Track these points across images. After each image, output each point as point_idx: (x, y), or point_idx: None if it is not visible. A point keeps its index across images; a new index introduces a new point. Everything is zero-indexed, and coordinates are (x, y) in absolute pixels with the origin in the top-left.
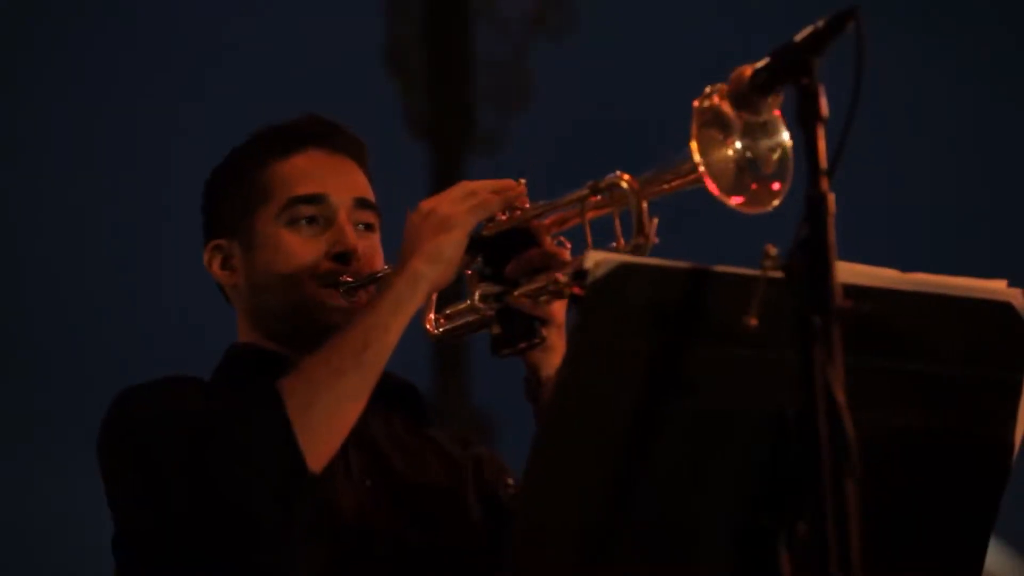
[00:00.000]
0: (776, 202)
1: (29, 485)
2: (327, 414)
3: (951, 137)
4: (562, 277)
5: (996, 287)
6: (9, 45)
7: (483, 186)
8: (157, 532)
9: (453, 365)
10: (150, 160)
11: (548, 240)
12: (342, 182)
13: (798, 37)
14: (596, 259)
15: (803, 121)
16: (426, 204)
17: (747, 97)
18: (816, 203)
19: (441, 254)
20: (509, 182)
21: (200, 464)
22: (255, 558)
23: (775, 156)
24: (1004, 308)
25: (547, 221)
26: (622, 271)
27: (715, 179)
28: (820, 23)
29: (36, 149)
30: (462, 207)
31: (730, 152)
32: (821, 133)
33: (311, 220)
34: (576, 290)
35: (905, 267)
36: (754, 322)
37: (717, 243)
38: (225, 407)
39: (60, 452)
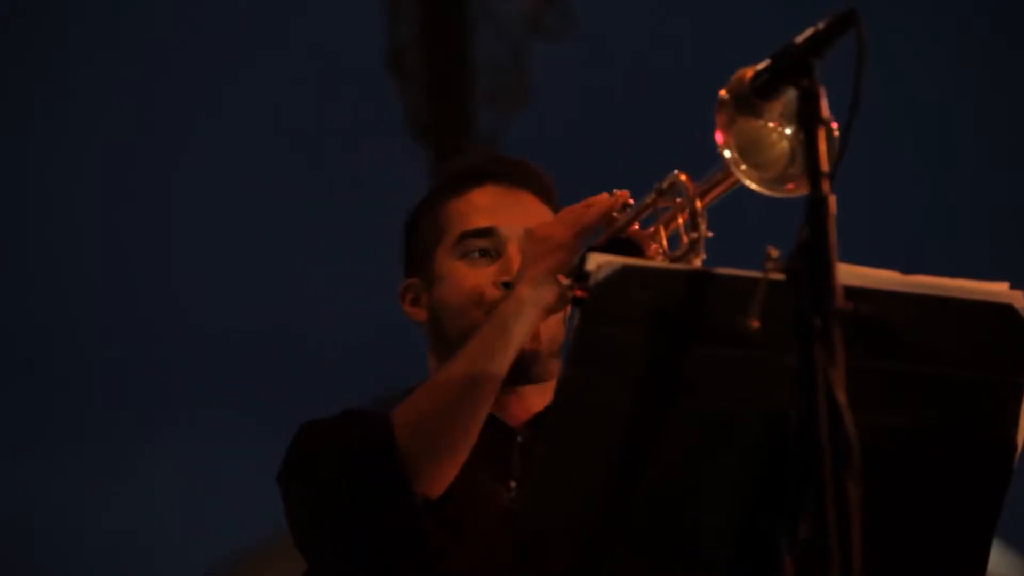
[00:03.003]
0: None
1: (31, 484)
2: (433, 441)
3: (953, 139)
4: (564, 280)
5: (997, 289)
6: (14, 42)
7: (581, 207)
8: (329, 566)
9: None
10: (157, 159)
11: (653, 248)
12: (514, 214)
13: (798, 39)
14: (598, 261)
15: (804, 123)
16: (535, 229)
17: (749, 101)
18: (817, 205)
19: (545, 277)
20: (606, 198)
21: (335, 495)
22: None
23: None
24: (1006, 310)
25: (651, 229)
26: (624, 273)
27: (760, 169)
28: (820, 24)
29: (43, 149)
30: (564, 228)
31: (774, 129)
32: (822, 135)
33: (484, 252)
34: (578, 292)
35: (906, 269)
36: (755, 324)
37: (718, 244)
38: (351, 439)
39: (62, 451)
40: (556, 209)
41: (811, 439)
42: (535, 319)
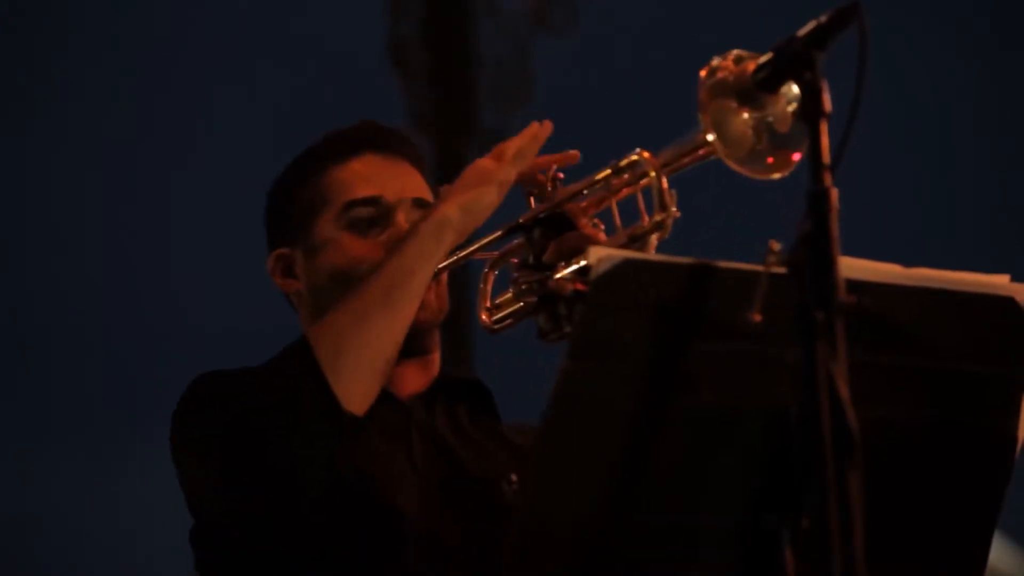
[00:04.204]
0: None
1: (31, 484)
2: (356, 356)
3: (955, 131)
4: (565, 272)
5: (999, 282)
6: (15, 42)
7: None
8: (225, 517)
9: (456, 352)
10: (157, 159)
11: (585, 222)
12: (399, 184)
13: (800, 32)
14: (599, 255)
15: (806, 117)
16: (480, 160)
17: (751, 93)
18: (819, 198)
19: (474, 203)
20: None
21: (245, 428)
22: (304, 516)
23: (791, 112)
24: (1007, 303)
25: (583, 204)
26: (625, 267)
27: (730, 147)
28: (822, 18)
29: (43, 149)
30: (504, 166)
31: (745, 117)
32: (824, 128)
33: (370, 222)
34: (579, 286)
35: (908, 262)
36: (757, 318)
37: (719, 239)
38: (261, 367)
39: (61, 451)
40: (428, 179)
41: (813, 433)
42: (452, 243)
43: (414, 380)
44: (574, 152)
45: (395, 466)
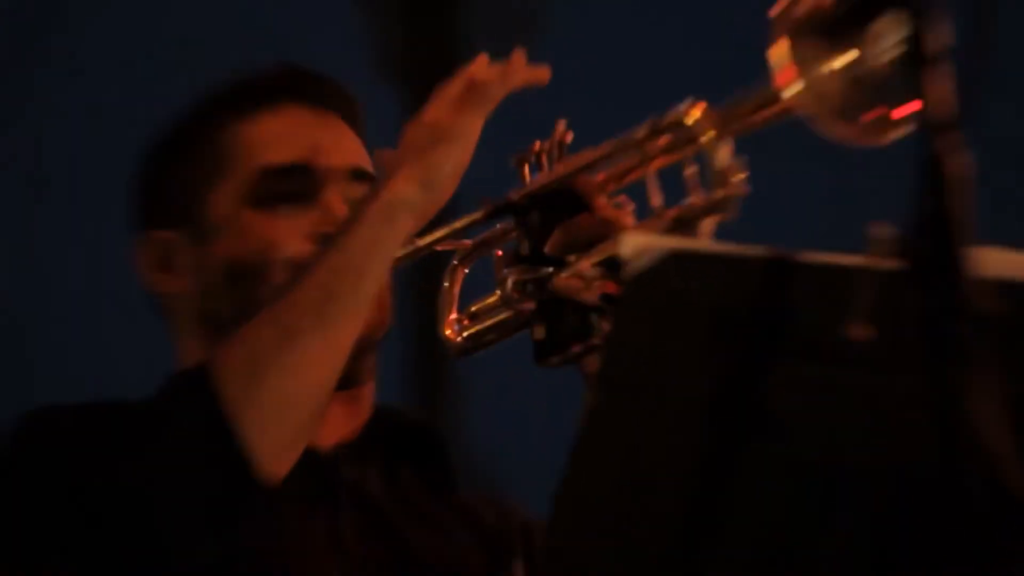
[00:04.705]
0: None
1: None
2: (280, 393)
3: None
4: (589, 269)
5: None
6: (15, 41)
7: (482, 71)
8: None
9: (435, 385)
10: None
11: (603, 202)
12: (329, 147)
13: None
14: (635, 245)
15: (910, 59)
16: (424, 114)
17: (837, 30)
18: (937, 167)
19: (434, 172)
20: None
21: (112, 482)
22: None
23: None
24: None
25: (600, 177)
26: (671, 261)
27: (817, 101)
28: None
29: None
30: (460, 112)
31: (833, 62)
32: (940, 73)
33: (289, 198)
34: (609, 287)
35: None
36: (863, 332)
37: (796, 223)
38: (144, 402)
39: None
40: (366, 142)
41: (954, 503)
42: (409, 229)
43: (339, 423)
44: (543, 70)
45: (314, 546)
